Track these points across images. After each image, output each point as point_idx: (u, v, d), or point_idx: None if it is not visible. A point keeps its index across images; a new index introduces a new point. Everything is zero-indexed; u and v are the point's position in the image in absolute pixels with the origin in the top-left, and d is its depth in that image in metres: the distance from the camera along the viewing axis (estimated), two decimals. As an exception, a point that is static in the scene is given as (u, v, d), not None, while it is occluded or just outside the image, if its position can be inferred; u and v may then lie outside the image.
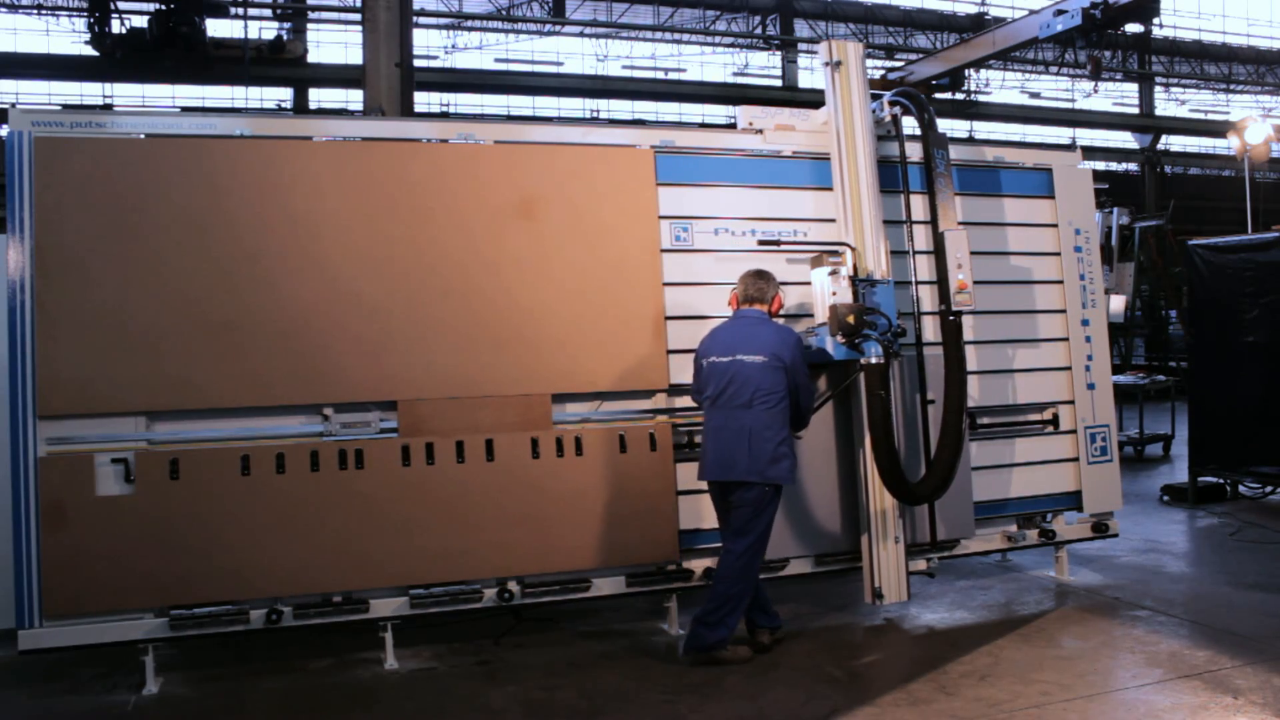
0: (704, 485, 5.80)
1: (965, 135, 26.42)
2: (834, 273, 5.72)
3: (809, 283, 5.97)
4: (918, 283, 6.28)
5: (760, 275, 5.58)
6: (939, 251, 6.05)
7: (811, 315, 5.98)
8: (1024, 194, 6.70)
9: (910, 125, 6.41)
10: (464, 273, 5.54)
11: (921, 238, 6.31)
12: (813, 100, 26.34)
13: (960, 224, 6.15)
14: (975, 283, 6.40)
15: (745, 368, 5.30)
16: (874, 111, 6.24)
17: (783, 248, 6.03)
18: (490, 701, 4.86)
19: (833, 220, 6.11)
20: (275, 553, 5.14)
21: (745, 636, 5.46)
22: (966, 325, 6.20)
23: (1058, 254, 6.76)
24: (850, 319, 5.55)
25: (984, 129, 28.29)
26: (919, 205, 6.31)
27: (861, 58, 6.15)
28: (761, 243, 6.00)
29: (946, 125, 6.57)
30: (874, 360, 5.67)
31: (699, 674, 5.18)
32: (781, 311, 5.74)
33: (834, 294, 5.70)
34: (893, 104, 6.39)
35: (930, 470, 5.90)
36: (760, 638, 5.46)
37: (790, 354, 5.36)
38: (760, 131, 6.29)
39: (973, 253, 6.31)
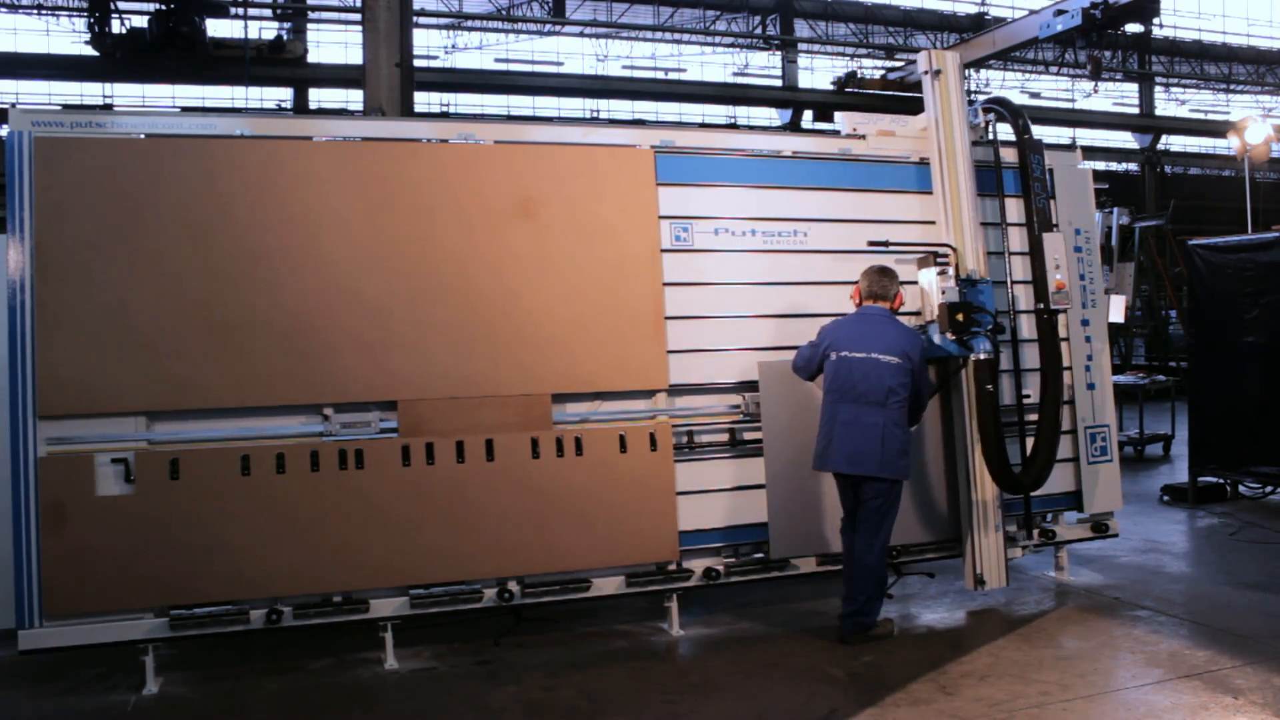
0: (709, 486, 5.84)
1: (965, 135, 26.29)
2: (942, 272, 5.96)
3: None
4: (1013, 282, 6.47)
5: (884, 272, 5.74)
6: (1036, 253, 6.26)
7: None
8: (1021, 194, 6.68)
9: (1005, 131, 6.65)
10: (464, 273, 5.54)
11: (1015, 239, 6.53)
12: (811, 101, 26.06)
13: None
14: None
15: (880, 366, 5.47)
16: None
17: (890, 248, 6.17)
18: (490, 701, 4.86)
19: (835, 220, 6.26)
20: (275, 553, 5.14)
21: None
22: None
23: (1057, 254, 6.75)
24: (960, 316, 5.82)
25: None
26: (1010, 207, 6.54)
27: (959, 67, 6.42)
28: (871, 243, 6.15)
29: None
30: (983, 355, 5.92)
31: (699, 674, 5.19)
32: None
33: (943, 292, 5.92)
34: (986, 110, 6.62)
35: (1030, 461, 6.14)
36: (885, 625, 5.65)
37: (918, 354, 5.58)
38: (863, 137, 6.50)
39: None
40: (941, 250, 6.08)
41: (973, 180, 6.27)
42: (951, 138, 6.28)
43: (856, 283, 5.82)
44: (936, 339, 5.96)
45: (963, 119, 6.33)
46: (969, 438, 6.13)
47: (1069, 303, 6.27)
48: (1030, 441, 6.25)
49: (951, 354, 5.97)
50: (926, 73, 6.41)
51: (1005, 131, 6.64)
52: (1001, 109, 6.62)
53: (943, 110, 6.32)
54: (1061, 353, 6.28)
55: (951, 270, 6.01)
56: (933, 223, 6.40)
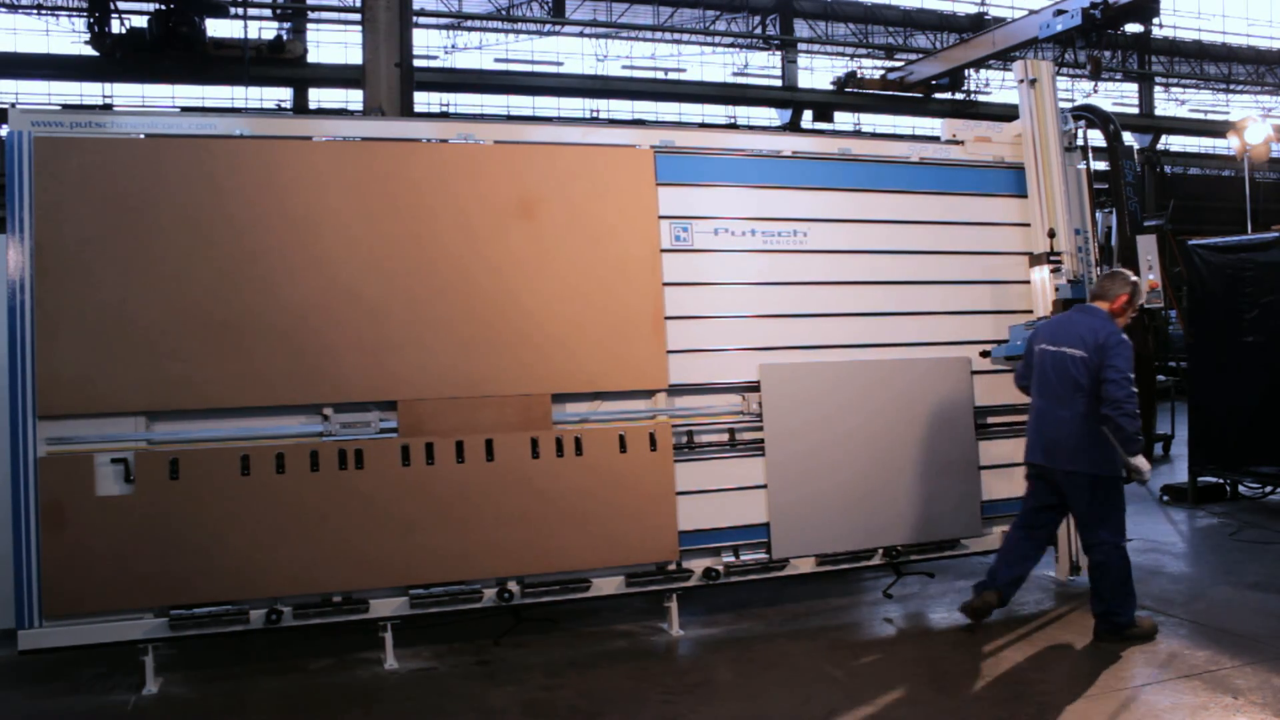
0: (709, 486, 5.88)
1: (965, 135, 26.26)
2: (1055, 270, 6.21)
3: (795, 282, 6.10)
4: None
5: (1110, 275, 5.74)
6: (1128, 252, 6.55)
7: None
8: (1024, 194, 6.70)
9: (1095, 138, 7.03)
10: (464, 272, 5.54)
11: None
12: (811, 101, 25.99)
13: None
14: (974, 283, 6.51)
15: (1067, 360, 5.44)
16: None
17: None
18: (490, 701, 4.86)
19: (832, 220, 6.29)
20: (275, 553, 5.14)
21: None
22: (970, 325, 6.48)
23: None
24: None
25: (985, 130, 28.16)
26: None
27: (1053, 76, 6.64)
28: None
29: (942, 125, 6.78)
30: None
31: (699, 674, 5.19)
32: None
33: (1056, 289, 6.19)
34: (1077, 117, 6.87)
35: None
36: (987, 597, 5.65)
37: (1109, 346, 5.29)
38: (962, 142, 6.73)
39: (970, 253, 6.47)
40: (1054, 250, 6.30)
41: (1064, 183, 6.47)
42: (1047, 143, 6.52)
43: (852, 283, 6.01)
44: None
45: (1056, 125, 6.56)
46: None
47: (1161, 301, 6.51)
48: None
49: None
50: (1022, 81, 6.64)
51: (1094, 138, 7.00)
52: (1092, 115, 6.94)
53: (1038, 117, 6.55)
54: (1150, 346, 6.52)
55: (1065, 268, 6.23)
56: (1027, 225, 6.61)
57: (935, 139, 7.14)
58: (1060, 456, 5.41)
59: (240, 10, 19.24)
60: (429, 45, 24.57)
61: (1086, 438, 5.34)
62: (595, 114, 25.73)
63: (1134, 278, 5.63)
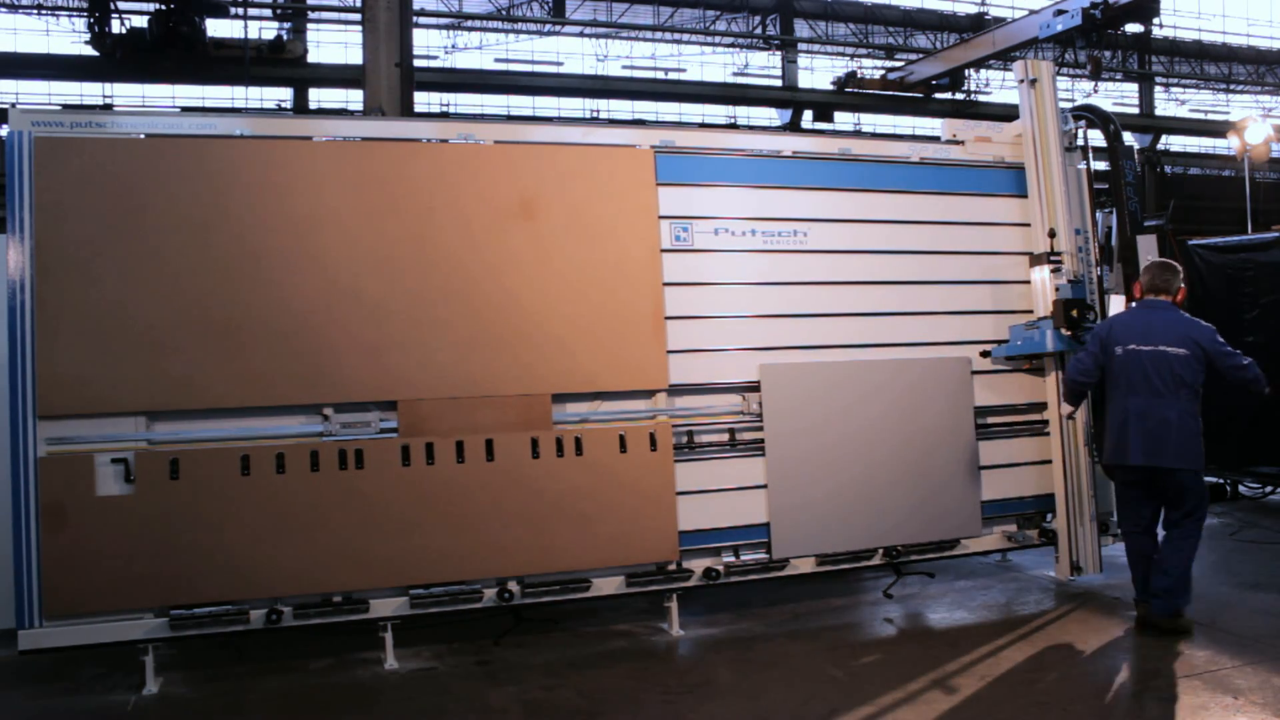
0: (709, 486, 5.86)
1: (965, 135, 26.24)
2: (1055, 270, 6.23)
3: (787, 281, 6.11)
4: (1102, 281, 6.77)
5: (1165, 267, 5.76)
6: (1129, 253, 6.58)
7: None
8: (1024, 194, 6.70)
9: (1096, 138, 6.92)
10: (464, 272, 5.54)
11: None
12: (811, 101, 25.93)
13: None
14: (974, 283, 6.51)
15: (1169, 358, 5.43)
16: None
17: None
18: (490, 701, 4.86)
19: (832, 220, 6.28)
20: (275, 553, 5.14)
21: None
22: (970, 325, 6.50)
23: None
24: (1074, 313, 6.07)
25: (985, 130, 28.13)
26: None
27: (1053, 75, 6.65)
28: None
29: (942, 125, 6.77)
30: None
31: (699, 674, 5.19)
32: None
33: (1056, 289, 6.21)
34: (1077, 117, 6.85)
35: None
36: (1141, 610, 5.66)
37: (1209, 343, 5.46)
38: (962, 142, 6.74)
39: (970, 253, 6.47)
40: (1054, 249, 6.33)
41: (1065, 183, 6.48)
42: (1047, 143, 6.52)
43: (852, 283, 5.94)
44: (1048, 335, 6.15)
45: (1056, 125, 6.55)
46: (1065, 432, 6.36)
47: None
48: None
49: (1059, 349, 6.18)
50: (1022, 81, 6.64)
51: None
52: (1092, 115, 6.86)
53: (1038, 117, 6.55)
54: None
55: (1065, 268, 6.25)
56: (1027, 225, 6.61)
57: (935, 139, 7.14)
58: (1166, 455, 5.41)
59: (240, 10, 19.24)
60: (429, 45, 24.58)
61: (1191, 434, 5.43)
62: (595, 114, 25.72)
63: (1179, 267, 5.76)
